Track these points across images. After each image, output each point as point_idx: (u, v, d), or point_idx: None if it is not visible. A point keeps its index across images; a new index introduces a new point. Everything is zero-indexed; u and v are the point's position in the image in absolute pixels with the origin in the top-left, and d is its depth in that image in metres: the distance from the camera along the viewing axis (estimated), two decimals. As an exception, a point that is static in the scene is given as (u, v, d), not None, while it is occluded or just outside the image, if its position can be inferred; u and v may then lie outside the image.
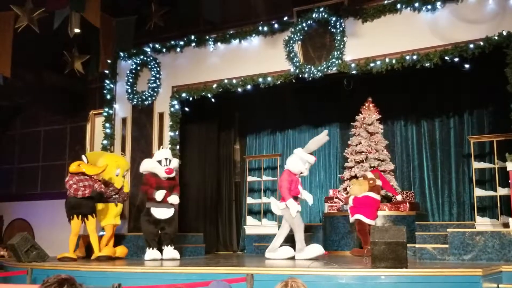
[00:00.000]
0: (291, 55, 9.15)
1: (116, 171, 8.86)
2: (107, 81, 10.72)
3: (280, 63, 9.25)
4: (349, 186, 9.27)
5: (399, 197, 9.24)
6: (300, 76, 9.07)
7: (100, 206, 8.59)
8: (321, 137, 8.03)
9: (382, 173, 9.59)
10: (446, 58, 8.02)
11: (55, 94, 12.48)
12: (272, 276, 5.43)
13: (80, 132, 12.13)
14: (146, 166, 8.32)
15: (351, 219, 8.70)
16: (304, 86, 9.70)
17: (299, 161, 7.86)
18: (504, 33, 7.58)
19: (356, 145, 9.99)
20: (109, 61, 10.73)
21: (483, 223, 8.45)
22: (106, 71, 10.78)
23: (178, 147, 10.04)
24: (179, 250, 8.51)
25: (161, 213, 8.16)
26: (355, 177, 9.60)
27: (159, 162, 8.26)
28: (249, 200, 11.13)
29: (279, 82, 9.31)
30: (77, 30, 9.44)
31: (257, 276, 5.10)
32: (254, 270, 5.48)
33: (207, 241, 10.22)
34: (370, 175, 8.88)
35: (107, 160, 8.83)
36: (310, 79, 8.99)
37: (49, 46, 11.09)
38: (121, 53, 10.71)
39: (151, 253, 8.04)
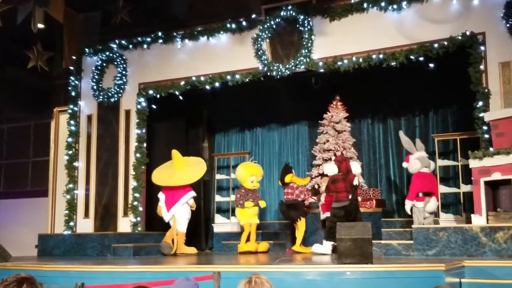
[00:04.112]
0: (259, 53, 9.14)
1: (251, 178, 9.30)
2: (72, 78, 10.54)
3: (248, 61, 9.24)
4: (319, 185, 9.22)
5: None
6: (269, 74, 9.09)
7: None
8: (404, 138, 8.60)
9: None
10: (412, 57, 8.14)
11: (18, 91, 12.16)
12: (239, 273, 5.41)
13: (45, 130, 11.87)
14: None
15: (322, 216, 8.75)
16: (272, 84, 9.71)
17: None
18: (468, 33, 7.74)
19: (324, 143, 10.05)
20: (74, 57, 10.55)
21: (446, 219, 8.63)
22: (71, 67, 10.60)
23: (145, 145, 9.94)
24: (152, 249, 8.41)
25: None
26: (323, 175, 9.62)
27: None
28: (218, 198, 11.08)
29: (247, 80, 9.30)
30: (40, 26, 9.17)
31: (224, 274, 5.08)
32: (220, 267, 5.46)
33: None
34: None
35: (244, 169, 9.48)
36: (278, 77, 9.02)
37: (11, 41, 10.80)
38: (87, 49, 10.55)
39: None
